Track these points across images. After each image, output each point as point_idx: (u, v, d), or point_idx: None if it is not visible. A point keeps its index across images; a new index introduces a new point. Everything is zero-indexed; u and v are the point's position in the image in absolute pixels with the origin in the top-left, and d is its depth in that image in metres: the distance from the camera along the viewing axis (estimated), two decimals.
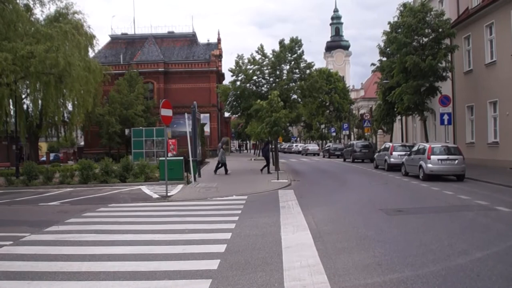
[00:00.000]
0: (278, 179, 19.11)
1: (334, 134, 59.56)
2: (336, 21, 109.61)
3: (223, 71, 55.00)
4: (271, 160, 24.36)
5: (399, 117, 35.53)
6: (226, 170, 23.26)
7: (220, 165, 23.46)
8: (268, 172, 22.75)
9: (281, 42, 25.52)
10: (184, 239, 8.02)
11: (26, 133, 32.66)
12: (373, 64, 32.35)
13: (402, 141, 34.80)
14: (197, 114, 22.66)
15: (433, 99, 26.48)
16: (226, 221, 9.79)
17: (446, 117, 22.47)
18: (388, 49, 27.46)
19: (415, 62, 24.02)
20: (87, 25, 32.21)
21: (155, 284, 5.54)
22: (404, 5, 26.55)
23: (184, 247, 7.33)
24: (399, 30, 25.56)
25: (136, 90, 41.74)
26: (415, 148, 20.20)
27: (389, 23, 26.60)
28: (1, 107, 26.22)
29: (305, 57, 25.93)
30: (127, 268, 6.18)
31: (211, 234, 8.38)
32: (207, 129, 44.58)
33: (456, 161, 17.65)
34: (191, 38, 52.91)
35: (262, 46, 25.76)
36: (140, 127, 36.53)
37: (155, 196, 15.15)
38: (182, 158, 20.01)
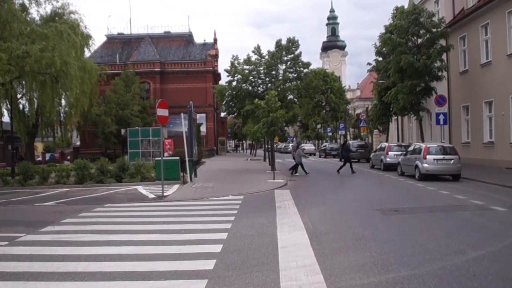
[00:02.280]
0: (274, 179, 19.12)
1: (330, 134, 59.58)
2: (332, 21, 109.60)
3: (219, 71, 54.97)
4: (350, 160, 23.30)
5: (395, 117, 35.68)
6: (296, 170, 22.56)
7: (296, 166, 22.75)
8: (352, 172, 22.07)
9: (278, 42, 25.54)
10: (180, 239, 8.01)
11: (23, 133, 32.49)
12: (369, 64, 32.41)
13: (398, 141, 34.90)
14: (193, 114, 22.61)
15: (429, 99, 26.59)
16: (222, 221, 9.78)
17: (441, 117, 22.52)
18: (384, 49, 27.58)
19: (410, 61, 24.12)
20: (84, 25, 31.99)
21: (151, 284, 5.53)
22: (397, 8, 26.80)
23: (180, 247, 7.32)
24: (394, 31, 25.70)
25: (132, 90, 41.67)
26: (411, 148, 20.25)
27: (385, 26, 26.97)
28: None
29: (302, 57, 26.00)
30: (123, 268, 6.17)
31: (207, 234, 8.37)
32: (203, 129, 44.58)
33: (452, 161, 17.70)
34: (187, 38, 52.89)
35: (258, 46, 25.78)
36: (136, 127, 36.41)
37: (151, 196, 15.10)
38: (178, 158, 20.00)
